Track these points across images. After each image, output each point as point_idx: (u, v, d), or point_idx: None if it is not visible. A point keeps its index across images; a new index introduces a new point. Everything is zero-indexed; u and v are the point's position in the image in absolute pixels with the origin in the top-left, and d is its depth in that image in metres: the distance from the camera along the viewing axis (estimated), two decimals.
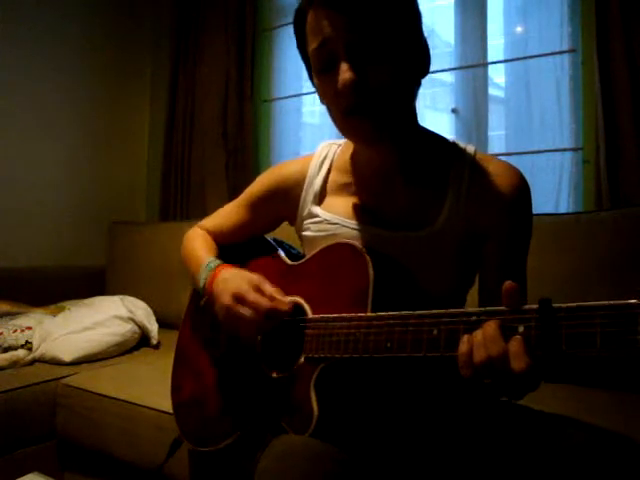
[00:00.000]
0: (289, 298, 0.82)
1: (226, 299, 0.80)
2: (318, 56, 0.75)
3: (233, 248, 1.02)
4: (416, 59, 0.77)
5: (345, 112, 0.75)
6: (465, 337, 0.59)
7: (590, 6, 1.63)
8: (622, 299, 0.51)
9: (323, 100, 0.80)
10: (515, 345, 0.55)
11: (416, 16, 0.78)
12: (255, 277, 0.83)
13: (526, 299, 0.80)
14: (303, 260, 0.88)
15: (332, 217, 0.87)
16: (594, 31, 1.60)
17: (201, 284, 0.90)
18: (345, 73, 0.71)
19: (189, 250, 1.01)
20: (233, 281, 0.82)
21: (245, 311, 0.78)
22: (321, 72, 0.76)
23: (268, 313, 0.78)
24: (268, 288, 0.81)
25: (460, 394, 0.79)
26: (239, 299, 0.79)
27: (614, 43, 1.56)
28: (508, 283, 0.58)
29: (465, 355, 0.58)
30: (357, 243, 0.78)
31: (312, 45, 0.75)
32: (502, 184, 0.80)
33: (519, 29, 1.93)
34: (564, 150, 1.78)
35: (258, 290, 0.80)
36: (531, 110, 1.85)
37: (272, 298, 0.79)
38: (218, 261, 0.92)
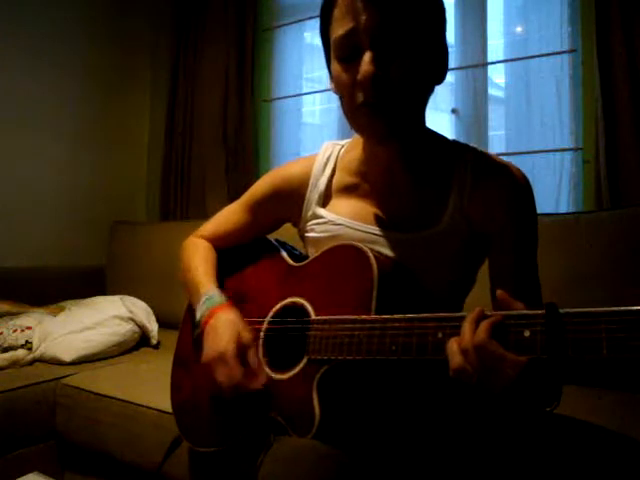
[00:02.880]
0: (291, 300, 0.81)
1: (210, 352, 0.84)
2: (342, 44, 0.74)
3: (236, 249, 1.02)
4: (436, 62, 0.78)
5: (360, 105, 0.74)
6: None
7: (590, 6, 1.63)
8: (626, 305, 0.50)
9: (337, 88, 0.79)
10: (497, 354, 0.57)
11: (442, 21, 0.78)
12: (246, 336, 0.84)
13: (540, 294, 0.81)
14: (307, 261, 0.88)
15: (336, 218, 0.87)
16: (594, 31, 1.60)
17: (197, 319, 0.91)
18: (367, 65, 0.71)
19: (189, 265, 1.00)
20: (223, 335, 0.84)
21: (219, 374, 0.82)
22: (342, 60, 0.76)
23: (238, 387, 0.80)
24: (251, 357, 0.82)
25: (463, 396, 0.78)
26: (221, 359, 0.82)
27: (614, 43, 1.56)
28: (499, 293, 0.59)
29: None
30: (361, 244, 0.78)
31: (338, 31, 0.75)
32: (504, 183, 0.80)
33: (519, 29, 1.93)
34: (564, 150, 1.78)
35: (241, 356, 0.82)
36: (531, 110, 1.85)
37: (249, 373, 0.81)
38: (216, 298, 0.91)
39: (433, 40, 0.76)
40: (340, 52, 0.75)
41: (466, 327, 0.60)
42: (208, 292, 0.92)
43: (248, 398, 0.82)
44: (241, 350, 0.82)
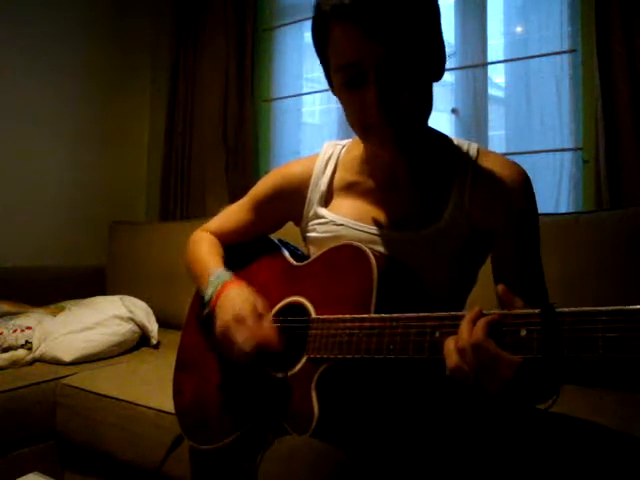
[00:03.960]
0: (292, 298, 0.81)
1: (227, 318, 0.82)
2: (345, 73, 0.74)
3: (238, 248, 1.02)
4: (437, 67, 0.78)
5: (367, 125, 0.76)
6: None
7: (590, 6, 1.63)
8: (622, 300, 0.51)
9: (342, 106, 0.80)
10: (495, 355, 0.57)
11: (439, 28, 0.77)
12: (260, 303, 0.84)
13: (546, 290, 0.82)
14: (308, 261, 0.88)
15: (338, 218, 0.87)
16: (594, 31, 1.60)
17: (207, 296, 0.90)
18: (374, 96, 0.71)
19: (195, 255, 1.01)
20: (238, 301, 0.83)
21: (239, 335, 0.80)
22: (345, 86, 0.75)
23: (260, 344, 0.79)
24: (268, 320, 0.82)
25: (460, 395, 0.79)
26: (239, 320, 0.81)
27: (614, 43, 1.56)
28: (500, 288, 0.59)
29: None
30: (362, 244, 0.78)
31: (338, 60, 0.74)
32: (505, 181, 0.80)
33: (519, 29, 1.93)
34: (564, 150, 1.78)
35: (259, 318, 0.81)
36: (531, 110, 1.85)
37: (269, 330, 0.80)
38: (227, 274, 0.91)
39: (435, 55, 0.77)
40: (343, 80, 0.75)
41: (463, 326, 0.60)
42: (216, 271, 0.92)
43: (248, 395, 0.82)
44: (258, 313, 0.82)
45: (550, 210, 1.73)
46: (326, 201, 0.91)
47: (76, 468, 1.53)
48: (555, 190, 1.77)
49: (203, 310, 0.92)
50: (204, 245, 1.02)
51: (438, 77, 0.79)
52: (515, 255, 0.81)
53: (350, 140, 0.94)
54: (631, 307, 0.50)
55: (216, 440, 0.88)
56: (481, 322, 0.59)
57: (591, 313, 0.52)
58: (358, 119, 0.76)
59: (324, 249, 0.84)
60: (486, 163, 0.82)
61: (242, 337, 0.79)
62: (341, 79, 0.75)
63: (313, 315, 0.80)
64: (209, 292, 0.89)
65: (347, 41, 0.71)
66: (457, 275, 0.83)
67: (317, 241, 0.89)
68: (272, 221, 1.01)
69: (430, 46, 0.74)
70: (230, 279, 0.90)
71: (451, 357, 0.59)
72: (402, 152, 0.80)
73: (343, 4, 0.69)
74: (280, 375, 0.81)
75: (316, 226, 0.90)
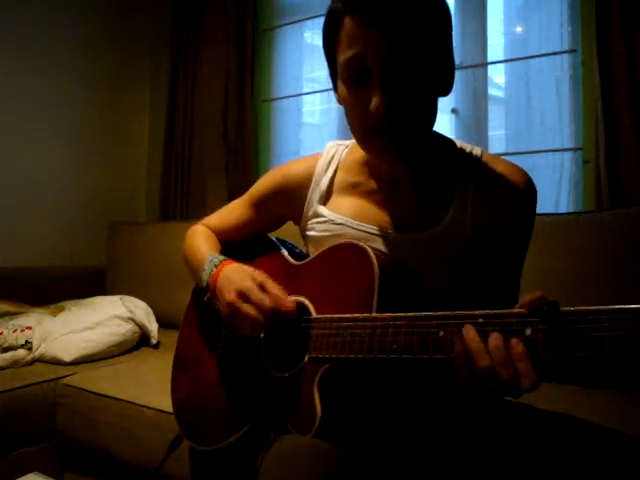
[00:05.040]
0: (293, 298, 0.81)
1: (230, 295, 0.80)
2: (350, 66, 0.73)
3: (236, 247, 1.02)
4: (445, 80, 0.78)
5: (369, 130, 0.74)
6: (457, 337, 0.60)
7: (590, 6, 1.64)
8: (622, 299, 0.50)
9: (345, 109, 0.78)
10: (523, 365, 0.55)
11: (449, 36, 0.77)
12: (259, 274, 0.82)
13: (518, 295, 0.81)
14: (307, 260, 0.88)
15: (337, 217, 0.87)
16: (594, 31, 1.60)
17: (205, 279, 0.88)
18: (378, 97, 0.70)
19: (191, 246, 1.00)
20: (237, 277, 0.81)
21: (249, 309, 0.77)
22: (350, 82, 0.74)
23: (271, 313, 0.77)
24: (272, 287, 0.80)
25: (463, 394, 0.79)
26: (243, 296, 0.78)
27: (614, 43, 1.57)
28: (537, 294, 0.57)
29: (461, 353, 0.58)
30: (362, 243, 0.77)
31: (346, 53, 0.73)
32: (509, 186, 0.80)
33: (519, 29, 1.94)
34: (564, 150, 1.78)
35: (262, 288, 0.79)
36: (531, 110, 1.85)
37: (276, 297, 0.78)
38: (222, 257, 0.90)
39: (444, 61, 0.76)
40: (348, 74, 0.74)
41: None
42: (209, 256, 0.91)
43: (249, 395, 0.82)
44: (260, 283, 0.80)
45: (550, 210, 1.73)
46: (326, 200, 0.91)
47: (76, 468, 1.53)
48: (555, 190, 1.78)
49: (203, 298, 0.92)
50: (200, 236, 1.02)
51: (445, 91, 0.79)
52: (500, 254, 0.81)
53: (353, 140, 0.94)
54: (636, 306, 0.50)
55: (216, 441, 0.88)
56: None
57: (596, 312, 0.52)
58: (360, 122, 0.75)
59: (323, 248, 0.84)
60: (490, 167, 0.82)
61: (252, 310, 0.77)
62: (346, 74, 0.74)
63: (314, 314, 0.79)
64: (205, 277, 0.88)
65: (355, 32, 0.71)
66: (457, 277, 0.83)
67: (316, 240, 0.89)
68: (271, 219, 1.01)
69: (438, 54, 0.73)
70: (225, 259, 0.89)
71: (484, 358, 0.57)
72: (402, 162, 0.80)
73: None
74: (281, 375, 0.81)
75: (315, 225, 0.90)
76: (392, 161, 0.79)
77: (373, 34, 0.69)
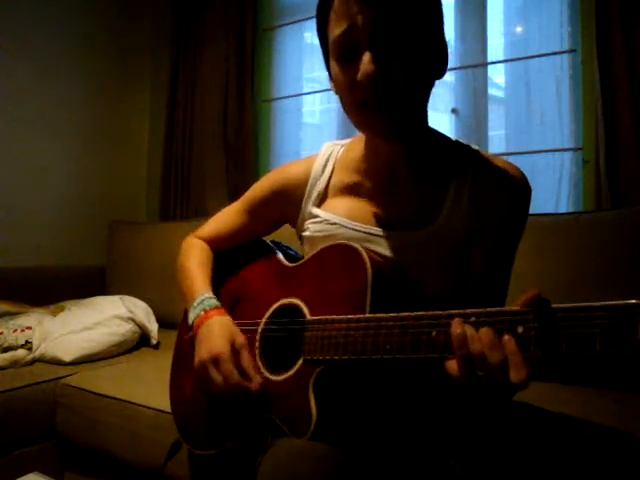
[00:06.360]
0: (284, 300, 0.81)
1: (204, 355, 0.83)
2: (340, 43, 0.74)
3: (230, 251, 1.02)
4: (436, 58, 0.77)
5: (361, 105, 0.74)
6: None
7: (590, 6, 1.63)
8: (622, 299, 0.51)
9: (337, 88, 0.79)
10: (515, 359, 0.55)
11: (440, 17, 0.78)
12: (240, 338, 0.85)
13: (506, 294, 0.82)
14: (301, 261, 0.88)
15: (332, 217, 0.87)
16: (594, 31, 1.60)
17: (190, 321, 0.91)
18: (367, 65, 0.70)
19: (186, 268, 1.00)
20: (217, 336, 0.84)
21: (216, 376, 0.82)
22: (341, 59, 0.75)
23: (237, 387, 0.80)
24: (245, 358, 0.83)
25: (458, 394, 0.79)
26: (215, 361, 0.82)
27: (614, 43, 1.56)
28: (533, 292, 0.57)
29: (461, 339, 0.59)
30: (355, 244, 0.77)
31: (335, 31, 0.74)
32: (504, 183, 0.80)
33: (519, 29, 1.93)
34: (564, 150, 1.78)
35: (237, 358, 0.82)
36: (531, 110, 1.85)
37: (247, 370, 0.81)
38: (210, 301, 0.91)
39: (431, 34, 0.76)
40: (338, 51, 0.75)
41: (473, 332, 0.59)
42: (201, 295, 0.92)
43: (245, 400, 0.82)
44: (235, 352, 0.83)
45: (550, 210, 1.73)
46: (322, 201, 0.91)
47: (76, 468, 1.53)
48: (555, 190, 1.77)
49: (188, 331, 0.94)
50: (194, 256, 1.01)
51: (438, 73, 0.79)
52: (492, 251, 0.81)
53: (349, 140, 0.94)
54: (627, 302, 0.50)
55: (212, 446, 0.88)
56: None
57: (587, 308, 0.52)
58: (351, 94, 0.75)
59: (317, 248, 0.84)
60: (486, 164, 0.82)
61: (218, 378, 0.82)
62: (337, 51, 0.75)
63: (308, 316, 0.79)
64: (191, 318, 0.91)
65: (343, 7, 0.72)
66: (452, 276, 0.83)
67: (311, 240, 0.89)
68: (268, 224, 1.01)
69: (427, 29, 0.74)
70: (212, 308, 0.90)
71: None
72: (399, 141, 0.79)
73: None
74: (277, 377, 0.81)
75: (310, 225, 0.90)
76: (386, 138, 0.78)
77: (360, 7, 0.70)
